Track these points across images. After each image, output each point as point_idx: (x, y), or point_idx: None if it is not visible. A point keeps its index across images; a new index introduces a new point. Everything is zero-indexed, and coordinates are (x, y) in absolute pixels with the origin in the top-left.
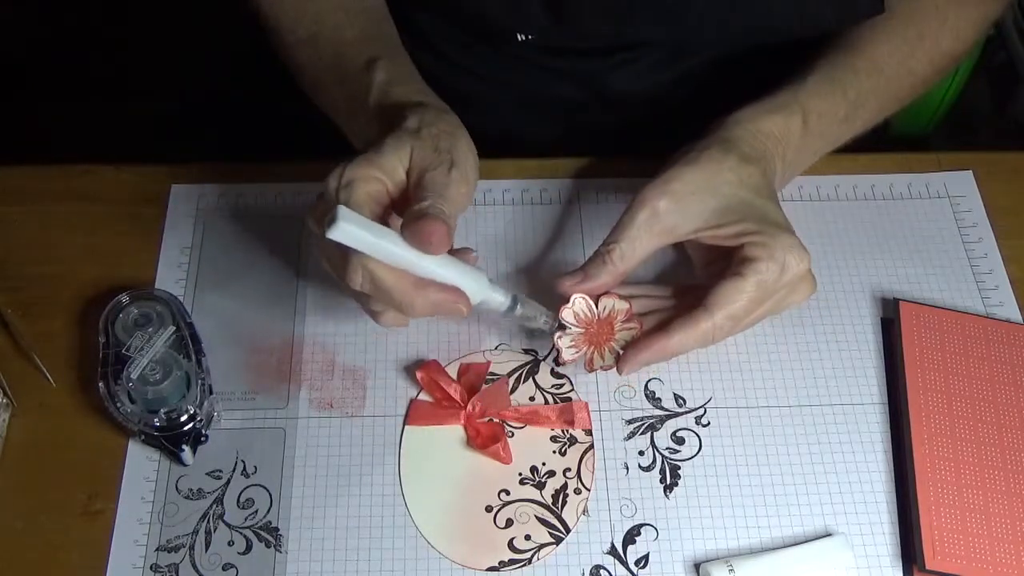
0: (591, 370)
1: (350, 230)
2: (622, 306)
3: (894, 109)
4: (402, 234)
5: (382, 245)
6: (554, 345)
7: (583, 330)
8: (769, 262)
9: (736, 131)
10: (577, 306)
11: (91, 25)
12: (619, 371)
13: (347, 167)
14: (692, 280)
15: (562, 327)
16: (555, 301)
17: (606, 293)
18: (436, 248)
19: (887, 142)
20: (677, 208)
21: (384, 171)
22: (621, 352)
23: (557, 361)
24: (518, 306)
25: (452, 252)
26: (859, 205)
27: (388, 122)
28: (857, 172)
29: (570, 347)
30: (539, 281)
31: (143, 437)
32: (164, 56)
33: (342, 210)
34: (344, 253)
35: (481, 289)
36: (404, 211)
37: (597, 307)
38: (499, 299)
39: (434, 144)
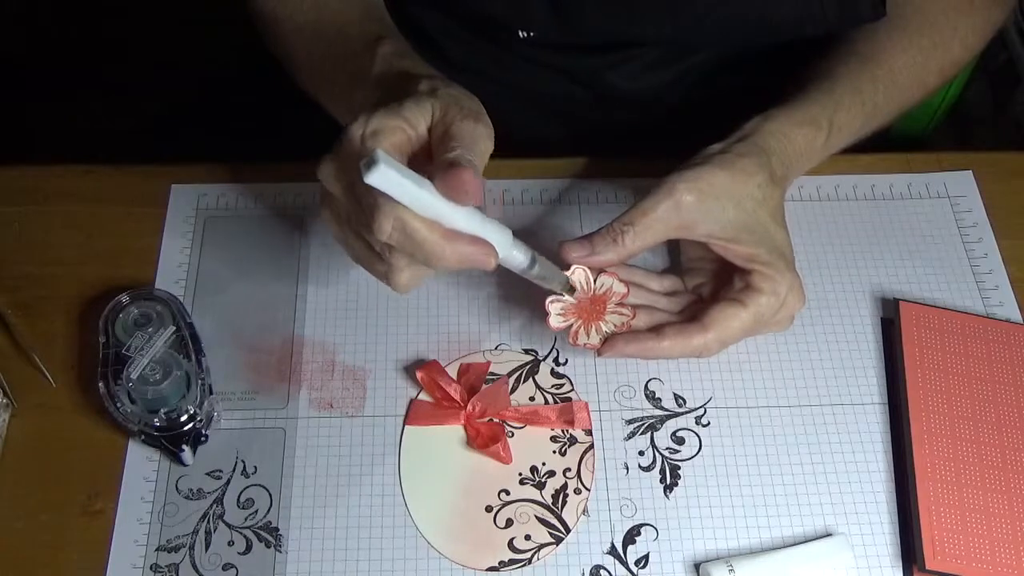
0: (574, 344)
1: (389, 174)
2: (620, 288)
3: (895, 117)
4: (434, 183)
5: (417, 192)
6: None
7: (575, 301)
8: (772, 297)
9: (772, 143)
10: (576, 276)
11: (91, 25)
12: (600, 353)
13: (371, 117)
14: (678, 267)
15: (571, 290)
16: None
17: (607, 271)
18: (471, 198)
19: (887, 142)
20: (701, 208)
21: (409, 123)
22: (607, 334)
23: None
24: (536, 266)
25: None
26: (859, 205)
27: (395, 88)
28: (857, 172)
29: (559, 315)
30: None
31: (143, 437)
32: (164, 56)
33: (381, 154)
34: (373, 201)
35: (506, 244)
36: (423, 167)
37: (595, 282)
38: (520, 257)
39: (456, 102)
